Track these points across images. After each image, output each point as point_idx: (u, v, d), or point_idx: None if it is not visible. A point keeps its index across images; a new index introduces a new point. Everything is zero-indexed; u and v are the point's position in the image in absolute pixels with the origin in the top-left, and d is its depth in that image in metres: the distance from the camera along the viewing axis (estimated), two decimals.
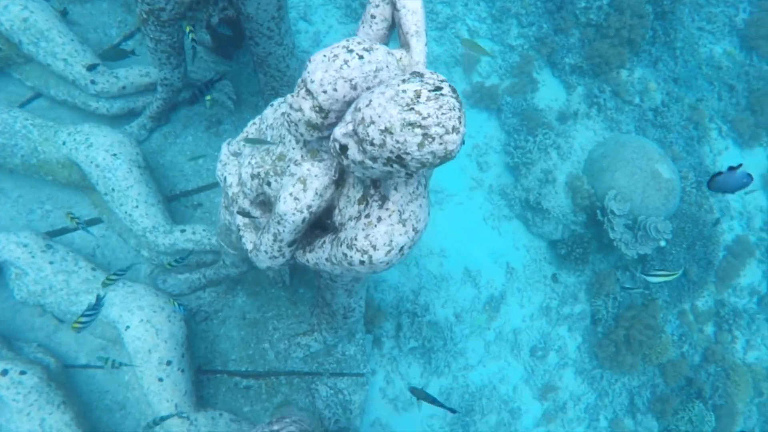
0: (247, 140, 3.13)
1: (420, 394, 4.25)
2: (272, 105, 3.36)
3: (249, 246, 3.48)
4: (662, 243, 6.12)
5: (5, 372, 4.10)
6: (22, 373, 4.14)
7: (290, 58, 5.22)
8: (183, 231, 4.93)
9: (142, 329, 4.37)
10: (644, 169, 6.62)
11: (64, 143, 4.83)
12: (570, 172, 6.94)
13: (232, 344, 5.21)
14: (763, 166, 8.32)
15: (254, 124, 3.56)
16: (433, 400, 4.21)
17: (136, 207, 4.80)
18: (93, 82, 5.14)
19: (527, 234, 6.87)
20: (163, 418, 4.33)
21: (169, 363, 4.41)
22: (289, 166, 2.97)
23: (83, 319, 3.79)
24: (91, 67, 5.07)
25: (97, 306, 3.88)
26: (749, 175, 4.11)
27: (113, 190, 4.76)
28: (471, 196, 6.89)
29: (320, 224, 3.16)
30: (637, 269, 4.13)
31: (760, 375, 6.84)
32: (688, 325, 6.94)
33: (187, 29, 4.45)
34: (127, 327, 4.37)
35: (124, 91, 5.29)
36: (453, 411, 4.17)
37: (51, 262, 4.50)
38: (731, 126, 8.32)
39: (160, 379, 4.37)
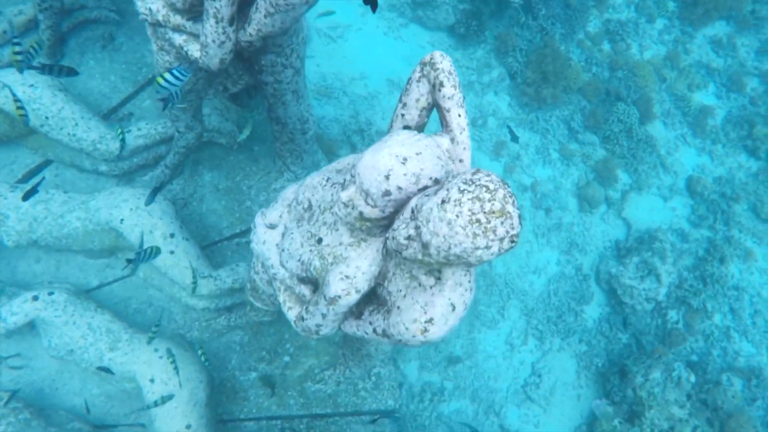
0: None
1: None
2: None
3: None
4: None
5: (36, 297, 4.20)
6: (50, 293, 4.26)
7: None
8: (129, 131, 4.98)
9: (135, 216, 4.48)
10: None
11: None
12: None
13: (218, 215, 5.38)
14: None
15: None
16: None
17: (76, 125, 4.76)
18: None
19: (426, 31, 7.09)
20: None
21: (172, 235, 4.57)
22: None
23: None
24: None
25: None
26: None
27: (47, 118, 4.69)
28: (364, 21, 7.00)
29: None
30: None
31: (659, 65, 7.47)
32: (588, 49, 7.43)
33: None
34: (122, 220, 4.47)
35: (6, 36, 5.11)
36: None
37: None
38: None
39: (172, 252, 4.54)
